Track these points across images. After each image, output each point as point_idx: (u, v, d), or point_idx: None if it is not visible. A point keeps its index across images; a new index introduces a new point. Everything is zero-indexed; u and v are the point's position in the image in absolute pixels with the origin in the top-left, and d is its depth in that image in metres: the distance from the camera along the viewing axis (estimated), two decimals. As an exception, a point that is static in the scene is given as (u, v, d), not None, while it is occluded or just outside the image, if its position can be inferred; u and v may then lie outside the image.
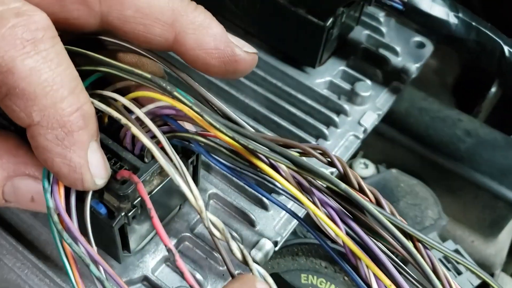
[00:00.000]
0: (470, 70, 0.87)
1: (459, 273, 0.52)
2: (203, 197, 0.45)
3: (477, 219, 0.61)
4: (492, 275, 0.63)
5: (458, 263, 0.53)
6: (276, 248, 0.44)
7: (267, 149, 0.34)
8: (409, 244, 0.32)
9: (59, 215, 0.32)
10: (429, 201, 0.56)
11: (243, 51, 0.36)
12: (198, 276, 0.40)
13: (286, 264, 0.48)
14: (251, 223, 0.44)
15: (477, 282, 0.53)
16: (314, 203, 0.34)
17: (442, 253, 0.34)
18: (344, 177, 0.35)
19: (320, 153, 0.36)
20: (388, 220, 0.33)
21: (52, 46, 0.31)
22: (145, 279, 0.40)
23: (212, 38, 0.35)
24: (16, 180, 0.34)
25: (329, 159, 0.36)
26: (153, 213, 0.32)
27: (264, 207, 0.45)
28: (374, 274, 0.33)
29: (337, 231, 0.34)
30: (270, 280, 0.32)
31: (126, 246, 0.39)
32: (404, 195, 0.56)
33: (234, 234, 0.43)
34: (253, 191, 0.45)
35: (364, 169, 0.60)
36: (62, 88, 0.30)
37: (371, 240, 0.34)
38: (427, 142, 0.61)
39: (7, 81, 0.29)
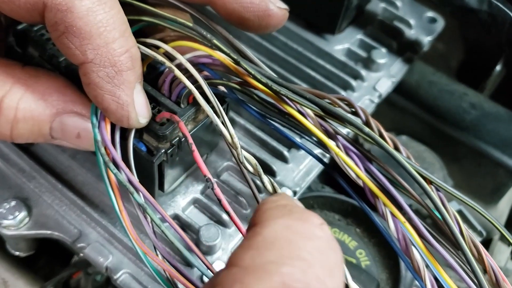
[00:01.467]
0: (476, 49, 0.90)
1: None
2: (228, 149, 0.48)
3: (479, 187, 0.64)
4: (490, 240, 0.66)
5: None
6: (295, 198, 0.47)
7: (298, 96, 0.37)
8: (424, 182, 0.35)
9: (105, 148, 0.35)
10: (435, 166, 0.59)
11: (276, 6, 0.39)
12: (225, 217, 0.43)
13: (302, 215, 0.51)
14: (272, 174, 0.47)
15: (478, 239, 0.56)
16: (338, 147, 0.37)
17: (451, 195, 0.37)
18: (366, 124, 0.38)
19: (345, 104, 0.39)
20: (406, 161, 0.36)
21: None
22: (176, 217, 0.43)
23: (248, -7, 0.38)
24: (65, 116, 0.37)
25: (353, 109, 0.39)
26: (194, 147, 0.35)
27: (285, 160, 0.48)
28: (391, 212, 0.37)
29: (358, 172, 0.37)
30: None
31: (161, 185, 0.42)
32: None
33: (257, 182, 0.46)
34: (274, 145, 0.48)
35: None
36: (114, 30, 0.33)
37: (388, 182, 0.37)
38: (435, 112, 0.64)
39: (65, 19, 0.32)
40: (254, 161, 0.36)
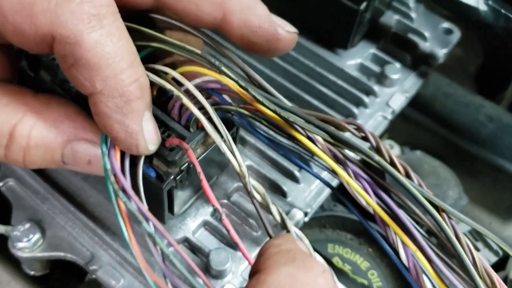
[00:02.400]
0: (493, 60, 0.88)
1: (477, 249, 0.55)
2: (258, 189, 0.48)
3: (495, 202, 0.63)
4: (508, 256, 0.65)
5: (476, 240, 0.56)
6: (306, 219, 0.47)
7: (306, 122, 0.37)
8: (436, 212, 0.35)
9: (115, 176, 0.36)
10: (450, 182, 0.58)
11: (285, 30, 0.39)
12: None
13: (314, 235, 0.51)
14: (283, 194, 0.47)
15: (494, 259, 0.55)
16: (348, 174, 0.37)
17: (464, 224, 0.36)
18: (376, 151, 0.37)
19: (355, 128, 0.38)
20: (417, 190, 0.35)
21: (114, 21, 0.33)
22: (186, 240, 0.43)
23: (257, 18, 0.38)
24: (75, 143, 0.38)
25: (363, 134, 0.38)
26: (202, 176, 0.35)
27: (296, 180, 0.48)
28: (401, 241, 0.36)
29: (368, 200, 0.37)
30: (306, 241, 0.35)
31: (171, 208, 0.42)
32: (427, 175, 0.58)
33: (277, 206, 0.46)
34: (285, 165, 0.48)
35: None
36: (122, 61, 0.33)
37: (400, 209, 0.37)
38: (451, 125, 0.63)
39: (74, 52, 0.32)
40: (262, 190, 0.36)
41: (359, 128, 0.38)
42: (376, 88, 0.55)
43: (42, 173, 0.46)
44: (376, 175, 0.38)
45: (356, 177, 0.37)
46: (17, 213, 0.44)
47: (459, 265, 0.36)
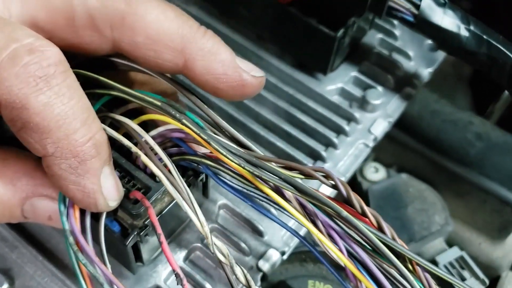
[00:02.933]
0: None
1: (463, 279, 0.54)
2: (213, 208, 0.47)
3: (484, 223, 0.61)
4: (498, 277, 0.64)
5: (463, 268, 0.55)
6: (284, 258, 0.46)
7: (272, 175, 0.35)
8: (405, 270, 0.34)
9: (74, 236, 0.34)
10: (437, 207, 0.56)
11: (251, 76, 0.37)
12: (208, 286, 0.42)
13: (294, 270, 0.49)
14: (259, 234, 0.46)
15: (481, 287, 0.54)
16: (317, 226, 0.36)
17: (438, 274, 0.35)
18: (347, 200, 0.36)
19: (323, 176, 0.37)
20: (386, 245, 0.34)
21: (64, 80, 0.32)
22: (158, 288, 0.42)
23: (220, 64, 0.36)
24: (35, 200, 0.36)
25: (332, 182, 0.37)
26: (162, 238, 0.34)
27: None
28: (374, 297, 0.35)
29: (339, 255, 0.35)
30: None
31: (139, 258, 0.41)
32: (413, 200, 0.57)
33: (243, 245, 0.45)
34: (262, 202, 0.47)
35: (375, 173, 0.61)
36: (74, 121, 0.32)
37: (372, 261, 0.36)
38: (438, 146, 0.61)
39: (22, 116, 0.31)
40: (226, 250, 0.35)
41: (328, 176, 0.37)
42: (357, 114, 0.54)
43: (10, 220, 0.45)
44: (350, 225, 0.36)
45: (326, 227, 0.36)
46: (-15, 263, 0.43)
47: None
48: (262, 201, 0.39)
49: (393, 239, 0.35)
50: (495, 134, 0.63)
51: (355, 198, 0.36)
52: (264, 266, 0.44)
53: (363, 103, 0.54)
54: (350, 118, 0.54)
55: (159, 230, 0.34)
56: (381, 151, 0.62)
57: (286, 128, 0.52)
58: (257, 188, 0.37)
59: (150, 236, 0.41)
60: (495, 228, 0.61)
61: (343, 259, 0.35)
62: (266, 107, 0.54)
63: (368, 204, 0.37)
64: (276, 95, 0.55)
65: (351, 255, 0.36)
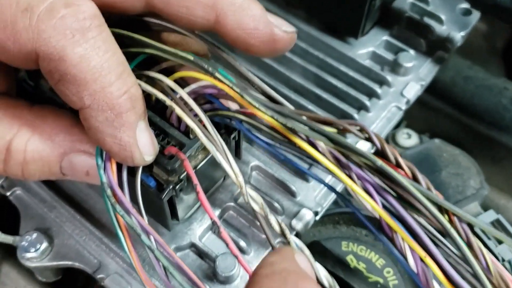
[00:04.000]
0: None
1: (500, 242, 0.53)
2: (246, 169, 0.47)
3: (522, 189, 0.60)
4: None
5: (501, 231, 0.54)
6: (317, 218, 0.46)
7: (305, 127, 0.35)
8: (443, 219, 0.33)
9: (112, 189, 0.35)
10: (471, 171, 0.56)
11: (282, 31, 0.37)
12: (242, 243, 0.43)
13: (327, 232, 0.50)
14: (292, 194, 0.46)
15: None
16: (351, 178, 0.36)
17: (476, 224, 0.35)
18: (382, 152, 0.36)
19: (358, 130, 0.37)
20: (423, 195, 0.34)
21: (99, 34, 0.32)
22: (193, 245, 0.43)
23: (251, 19, 0.36)
24: (72, 156, 0.37)
25: (367, 135, 0.37)
26: (199, 188, 0.34)
27: (305, 178, 0.47)
28: (409, 246, 0.35)
29: (373, 205, 0.35)
30: (307, 252, 0.34)
31: (175, 215, 0.41)
32: (447, 164, 0.56)
33: (276, 204, 0.45)
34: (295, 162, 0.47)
35: (407, 139, 0.60)
36: (110, 74, 0.32)
37: (408, 213, 0.35)
38: (472, 111, 0.60)
39: (59, 68, 0.32)
40: (260, 200, 0.35)
41: (362, 129, 0.37)
42: (389, 77, 0.53)
43: (48, 181, 0.46)
44: (383, 175, 0.36)
45: (361, 180, 0.36)
46: (25, 222, 0.45)
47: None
48: (296, 156, 0.39)
49: (429, 189, 0.35)
50: (531, 99, 0.61)
51: (390, 150, 0.36)
52: (298, 225, 0.44)
53: (395, 67, 0.54)
54: (382, 82, 0.53)
55: (196, 180, 0.34)
56: (413, 118, 0.62)
57: (317, 91, 0.52)
58: (290, 141, 0.37)
59: (185, 194, 0.41)
60: (533, 194, 0.60)
61: (378, 210, 0.35)
62: (296, 72, 0.54)
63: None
64: (306, 60, 0.54)
65: (386, 209, 0.36)
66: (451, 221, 0.34)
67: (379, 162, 0.34)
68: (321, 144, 0.36)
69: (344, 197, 0.39)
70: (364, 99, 0.52)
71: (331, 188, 0.40)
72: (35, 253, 0.43)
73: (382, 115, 0.51)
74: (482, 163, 0.59)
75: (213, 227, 0.33)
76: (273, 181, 0.47)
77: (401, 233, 0.35)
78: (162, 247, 0.34)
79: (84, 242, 0.44)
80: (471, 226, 0.35)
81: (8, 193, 0.46)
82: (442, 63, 0.55)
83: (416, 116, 0.61)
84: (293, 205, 0.46)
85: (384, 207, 0.36)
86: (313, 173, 0.40)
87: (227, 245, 0.33)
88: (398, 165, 0.35)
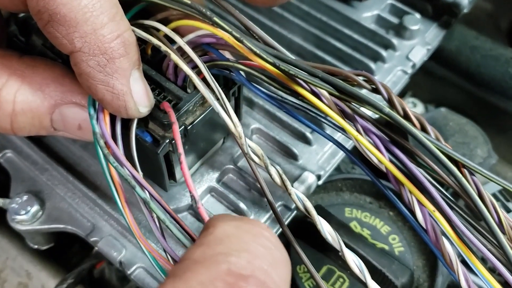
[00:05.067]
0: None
1: (508, 211, 0.51)
2: (246, 132, 0.45)
3: (530, 160, 0.58)
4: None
5: (508, 200, 0.52)
6: (320, 182, 0.44)
7: (309, 75, 0.33)
8: (455, 168, 0.32)
9: (105, 139, 0.33)
10: (478, 140, 0.54)
11: None
12: (242, 205, 0.41)
13: (330, 199, 0.48)
14: (293, 157, 0.44)
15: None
16: (357, 130, 0.34)
17: (486, 176, 0.33)
18: (389, 103, 0.34)
19: (364, 80, 0.35)
20: (433, 145, 0.32)
21: None
22: (191, 207, 0.41)
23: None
24: (64, 108, 0.35)
25: (373, 86, 0.35)
26: (182, 158, 0.32)
27: (307, 142, 0.45)
28: (417, 200, 0.33)
29: (380, 157, 0.33)
30: (309, 204, 0.32)
31: (172, 175, 0.39)
32: (453, 133, 0.54)
33: (277, 167, 0.43)
34: (296, 126, 0.45)
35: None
36: (102, 15, 0.31)
37: (415, 166, 0.34)
38: (478, 80, 0.58)
39: (48, 6, 0.30)
40: (260, 151, 0.34)
41: (369, 80, 0.35)
42: (395, 41, 0.51)
43: (40, 143, 0.44)
44: (389, 129, 0.34)
45: (367, 132, 0.34)
46: (16, 185, 0.43)
47: (484, 225, 0.32)
48: (298, 110, 0.37)
49: (437, 139, 0.33)
50: (540, 69, 0.60)
51: (397, 101, 0.34)
52: (300, 188, 0.42)
53: (400, 30, 0.52)
54: (387, 45, 0.51)
55: (181, 149, 0.33)
56: (419, 88, 0.60)
57: (320, 54, 0.50)
58: (293, 92, 0.35)
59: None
60: (541, 166, 0.58)
61: (384, 162, 0.33)
62: (298, 35, 0.52)
63: (407, 140, 0.35)
64: (309, 23, 0.52)
65: (393, 164, 0.34)
66: (462, 173, 0.33)
67: (386, 109, 0.32)
68: (325, 94, 0.34)
69: (352, 155, 0.38)
70: (369, 63, 0.50)
71: (340, 145, 0.38)
72: (25, 215, 0.41)
73: (387, 79, 0.50)
74: (489, 133, 0.57)
75: (192, 201, 0.31)
76: (274, 144, 0.45)
77: (408, 185, 0.33)
78: (156, 201, 0.33)
79: (77, 204, 0.42)
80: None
81: (-2, 156, 0.44)
82: (449, 28, 0.54)
83: (422, 85, 0.59)
84: (295, 168, 0.44)
85: (391, 161, 0.34)
86: (318, 128, 0.38)
87: (202, 220, 0.31)
88: (406, 116, 0.33)
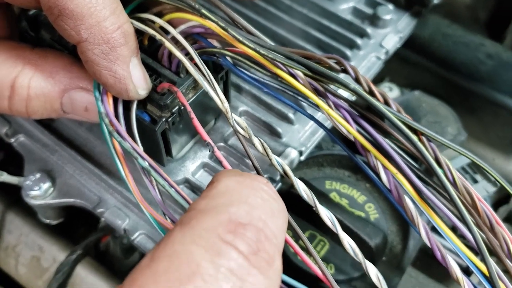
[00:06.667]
0: (505, 3, 0.87)
1: (475, 181, 0.56)
2: (235, 114, 0.50)
3: (497, 138, 0.63)
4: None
5: (475, 172, 0.57)
6: (302, 158, 0.49)
7: (285, 58, 0.38)
8: (412, 135, 0.36)
9: (109, 118, 0.38)
10: (449, 119, 0.59)
11: None
12: (231, 178, 0.46)
13: (312, 173, 0.53)
14: (278, 135, 0.49)
15: (492, 189, 0.56)
16: (328, 105, 0.39)
17: (443, 143, 0.38)
18: (356, 81, 0.39)
19: (335, 62, 0.40)
20: (394, 116, 0.37)
21: None
22: (187, 181, 0.46)
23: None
24: (72, 92, 0.40)
25: (343, 67, 0.40)
26: (192, 114, 0.37)
27: (290, 122, 0.50)
28: (382, 164, 0.38)
29: (348, 128, 0.38)
30: (287, 168, 0.37)
31: (168, 151, 0.44)
32: (426, 114, 0.59)
33: (260, 138, 0.48)
34: (280, 108, 0.50)
35: (389, 92, 0.64)
36: (104, 9, 0.36)
37: (381, 136, 0.39)
38: (449, 65, 0.63)
39: (58, 3, 0.35)
40: (244, 124, 0.38)
41: (339, 62, 0.40)
42: (369, 30, 0.56)
43: (50, 127, 0.49)
44: (357, 105, 0.39)
45: (337, 107, 0.39)
46: (29, 165, 0.48)
47: (440, 184, 0.37)
48: (279, 90, 0.42)
49: (399, 111, 0.38)
50: (506, 55, 0.65)
51: (363, 79, 0.39)
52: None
53: (374, 20, 0.57)
54: (362, 34, 0.56)
55: (189, 108, 0.38)
56: (395, 73, 0.65)
57: (302, 44, 0.55)
58: (272, 74, 0.40)
59: (177, 135, 0.44)
60: (508, 142, 0.63)
61: (352, 132, 0.38)
62: (281, 27, 0.57)
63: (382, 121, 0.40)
64: (291, 16, 0.57)
65: (361, 134, 0.39)
66: (420, 140, 0.38)
67: (352, 85, 0.37)
68: (300, 74, 0.39)
69: (331, 133, 0.42)
70: (346, 50, 0.55)
71: (319, 124, 0.43)
72: (38, 191, 0.46)
73: (362, 64, 0.55)
74: (460, 114, 0.62)
75: (209, 147, 0.36)
76: (260, 125, 0.50)
77: (374, 152, 0.38)
78: (156, 171, 0.37)
79: (84, 180, 0.47)
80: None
81: (12, 140, 0.49)
82: (419, 17, 0.59)
83: (398, 71, 0.64)
84: (279, 145, 0.49)
85: (359, 132, 0.39)
86: (297, 107, 0.42)
87: (221, 163, 0.36)
88: (371, 92, 0.38)
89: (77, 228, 0.57)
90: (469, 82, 0.62)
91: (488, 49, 0.65)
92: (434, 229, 0.39)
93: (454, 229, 0.39)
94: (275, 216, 0.29)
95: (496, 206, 0.65)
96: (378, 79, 0.65)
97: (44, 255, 0.53)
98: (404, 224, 0.50)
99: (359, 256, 0.35)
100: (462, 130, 0.59)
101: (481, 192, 0.54)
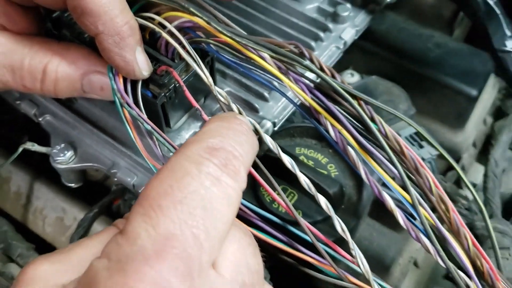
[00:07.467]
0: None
1: (421, 146, 0.67)
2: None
3: (445, 114, 0.75)
4: (459, 158, 0.77)
5: (422, 140, 0.68)
6: (275, 128, 0.60)
7: (255, 44, 0.50)
8: (351, 99, 0.48)
9: (120, 93, 0.50)
10: (401, 98, 0.70)
11: None
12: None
13: (285, 142, 0.64)
14: (255, 110, 0.61)
15: (435, 152, 0.67)
16: (289, 79, 0.50)
17: (378, 106, 0.49)
18: (310, 60, 0.50)
19: (294, 47, 0.52)
20: (338, 85, 0.48)
21: None
22: (181, 146, 0.57)
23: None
24: (91, 75, 0.52)
25: (300, 50, 0.51)
26: (185, 87, 0.49)
27: (266, 99, 0.61)
28: (330, 123, 0.49)
29: (305, 96, 0.50)
30: (257, 126, 0.49)
31: (167, 122, 0.56)
32: (381, 94, 0.70)
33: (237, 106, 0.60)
34: (257, 89, 0.62)
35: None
36: (115, 9, 0.47)
37: (331, 104, 0.50)
38: (404, 53, 0.75)
39: (81, 4, 0.46)
40: (224, 94, 0.50)
41: (297, 46, 0.51)
42: (330, 25, 0.68)
43: (71, 108, 0.60)
44: (313, 82, 0.51)
45: (296, 81, 0.51)
46: (55, 139, 0.59)
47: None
48: (252, 69, 0.54)
49: (343, 82, 0.50)
50: (452, 44, 0.76)
51: (315, 58, 0.51)
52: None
53: (335, 17, 0.69)
54: (325, 29, 0.68)
55: (181, 82, 0.49)
56: (357, 62, 0.77)
57: (275, 37, 0.67)
58: (246, 57, 0.51)
59: (173, 110, 0.56)
60: (454, 117, 0.75)
61: (307, 99, 0.50)
62: (259, 24, 0.69)
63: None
64: (265, 15, 0.69)
65: (314, 101, 0.51)
66: (359, 104, 0.49)
67: (305, 62, 0.49)
68: (267, 56, 0.50)
69: (300, 107, 0.54)
70: (311, 42, 0.67)
71: (289, 99, 0.54)
72: (63, 157, 0.57)
73: (324, 53, 0.66)
74: (413, 96, 0.73)
75: (198, 112, 0.48)
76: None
77: (324, 113, 0.49)
78: (158, 133, 0.49)
79: (100, 149, 0.58)
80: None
81: (40, 119, 0.61)
82: (374, 14, 0.70)
83: (359, 60, 0.76)
84: (256, 118, 0.60)
85: (313, 100, 0.50)
86: (271, 85, 0.54)
87: (204, 121, 0.48)
88: (321, 68, 0.50)
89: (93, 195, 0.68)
90: (420, 67, 0.74)
91: (437, 40, 0.77)
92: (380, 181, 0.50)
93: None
94: (242, 145, 0.40)
95: (445, 172, 0.77)
96: (342, 68, 0.77)
97: (67, 216, 0.64)
98: (359, 180, 0.61)
99: (312, 189, 0.47)
100: (412, 106, 0.70)
101: (425, 155, 0.65)
